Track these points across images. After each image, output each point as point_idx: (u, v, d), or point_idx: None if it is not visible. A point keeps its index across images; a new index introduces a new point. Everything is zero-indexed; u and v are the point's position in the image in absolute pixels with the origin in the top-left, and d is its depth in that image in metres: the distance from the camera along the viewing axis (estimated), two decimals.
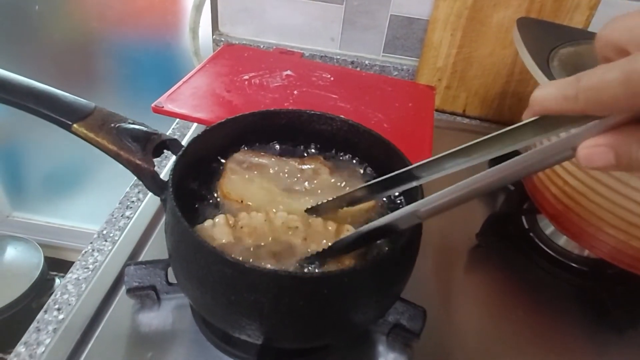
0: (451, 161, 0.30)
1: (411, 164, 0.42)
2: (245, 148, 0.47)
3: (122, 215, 0.55)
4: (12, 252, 1.33)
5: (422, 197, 0.37)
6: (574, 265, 0.55)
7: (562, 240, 0.56)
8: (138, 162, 0.37)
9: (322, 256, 0.35)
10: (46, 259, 1.33)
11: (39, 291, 1.28)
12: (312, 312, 0.32)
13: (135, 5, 1.02)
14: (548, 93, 0.22)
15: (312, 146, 0.49)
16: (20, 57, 1.14)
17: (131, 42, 1.09)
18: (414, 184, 0.34)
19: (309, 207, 0.39)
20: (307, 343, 0.37)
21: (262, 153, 0.46)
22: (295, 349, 0.42)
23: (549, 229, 0.58)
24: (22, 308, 1.23)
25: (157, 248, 0.52)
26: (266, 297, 0.31)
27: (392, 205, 0.43)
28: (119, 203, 0.57)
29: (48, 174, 1.40)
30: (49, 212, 1.49)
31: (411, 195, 0.39)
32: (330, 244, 0.35)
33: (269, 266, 0.34)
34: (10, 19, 1.08)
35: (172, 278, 0.43)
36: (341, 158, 0.48)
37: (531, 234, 0.58)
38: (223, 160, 0.45)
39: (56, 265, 1.44)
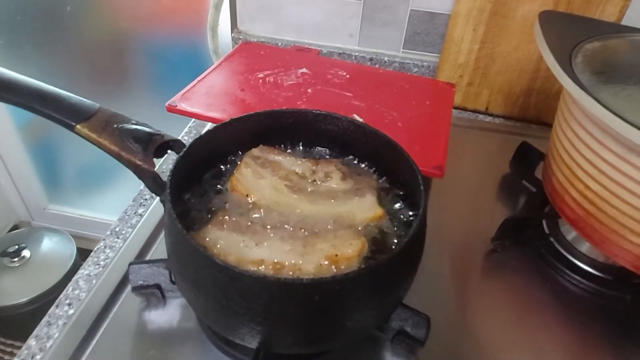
0: None
1: (417, 167, 0.41)
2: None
3: (135, 213, 0.56)
4: (47, 243, 1.39)
5: (425, 205, 0.36)
6: (597, 273, 0.52)
7: (585, 247, 0.53)
8: (138, 162, 0.37)
9: None
10: (78, 250, 1.38)
11: None
12: (304, 319, 0.32)
13: (161, 5, 1.04)
14: None
15: (324, 148, 0.48)
16: (52, 56, 1.18)
17: (158, 41, 1.11)
18: None
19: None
20: (303, 349, 0.36)
21: (279, 151, 0.46)
22: (295, 354, 0.41)
23: (570, 234, 0.55)
24: (54, 297, 1.28)
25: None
26: (257, 302, 0.30)
27: (402, 218, 0.41)
28: (133, 200, 0.58)
29: (82, 168, 1.46)
30: (82, 205, 1.55)
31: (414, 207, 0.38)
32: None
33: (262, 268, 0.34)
34: (44, 20, 1.12)
35: None
36: (362, 166, 0.47)
37: (552, 239, 0.55)
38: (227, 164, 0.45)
39: (87, 256, 1.49)
